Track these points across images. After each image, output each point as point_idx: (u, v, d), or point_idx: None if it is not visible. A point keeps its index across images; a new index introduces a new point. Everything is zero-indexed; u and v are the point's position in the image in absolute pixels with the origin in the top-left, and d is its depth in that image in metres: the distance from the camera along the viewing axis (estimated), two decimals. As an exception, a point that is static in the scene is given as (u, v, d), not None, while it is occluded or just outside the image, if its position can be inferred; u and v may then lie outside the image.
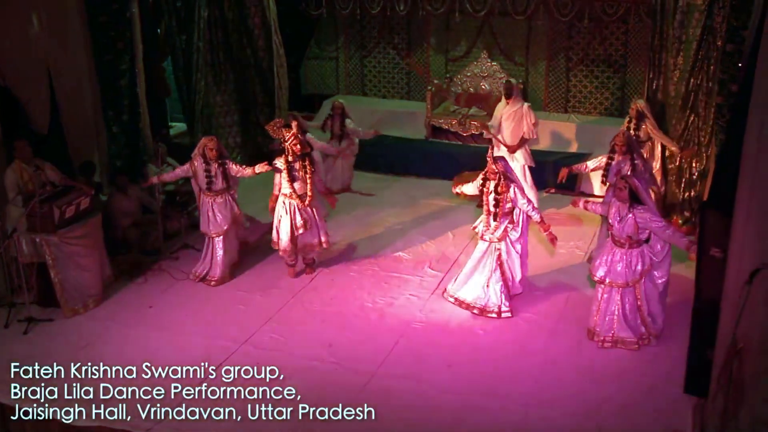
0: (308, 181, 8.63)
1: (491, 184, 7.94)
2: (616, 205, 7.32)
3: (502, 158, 8.25)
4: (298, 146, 8.42)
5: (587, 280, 8.35)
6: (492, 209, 7.97)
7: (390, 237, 10.23)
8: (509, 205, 7.94)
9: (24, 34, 9.49)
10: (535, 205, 8.15)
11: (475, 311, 8.17)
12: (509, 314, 8.09)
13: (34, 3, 9.58)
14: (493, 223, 8.02)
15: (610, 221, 7.39)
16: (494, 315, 8.09)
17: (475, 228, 8.27)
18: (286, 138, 8.46)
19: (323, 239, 8.99)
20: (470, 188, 8.31)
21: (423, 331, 7.96)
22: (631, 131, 9.50)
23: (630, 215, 7.16)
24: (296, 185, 8.59)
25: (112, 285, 8.83)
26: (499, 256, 8.07)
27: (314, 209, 8.84)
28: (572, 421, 6.51)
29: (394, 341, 7.73)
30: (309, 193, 8.65)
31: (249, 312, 8.35)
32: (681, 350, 6.85)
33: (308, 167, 8.62)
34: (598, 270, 7.50)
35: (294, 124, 8.69)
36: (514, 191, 7.87)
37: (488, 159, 8.16)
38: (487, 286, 8.12)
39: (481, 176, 8.09)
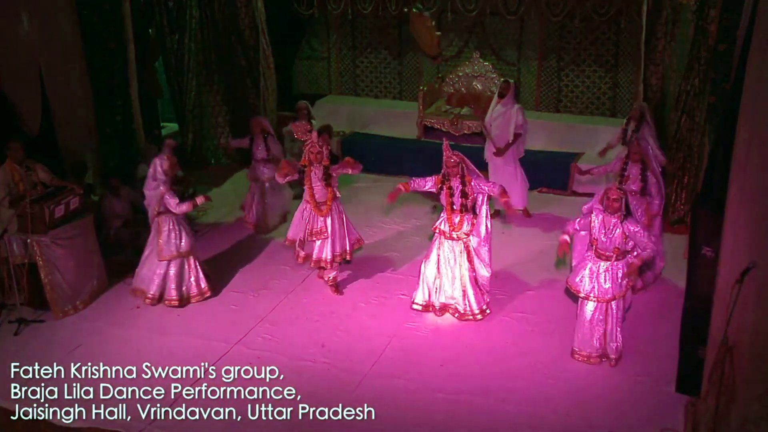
0: (327, 190, 8.29)
1: (455, 180, 7.73)
2: (600, 217, 6.96)
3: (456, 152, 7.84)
4: (314, 154, 8.14)
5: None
6: (458, 206, 7.76)
7: (381, 236, 10.24)
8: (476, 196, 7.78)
9: (15, 34, 9.46)
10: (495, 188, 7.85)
11: (455, 315, 8.08)
12: (488, 311, 8.11)
13: (25, 3, 9.56)
14: (457, 220, 7.82)
15: (594, 235, 7.01)
16: (479, 317, 8.04)
17: (435, 228, 8.01)
18: (306, 142, 8.19)
19: (341, 250, 8.55)
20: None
21: (415, 330, 7.97)
22: (629, 132, 9.42)
23: (619, 227, 6.85)
24: (316, 193, 8.27)
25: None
26: (470, 252, 7.95)
27: (334, 218, 8.43)
28: (565, 420, 6.54)
29: (386, 341, 7.75)
30: (328, 203, 8.31)
31: (241, 312, 8.34)
32: (673, 349, 6.89)
33: (330, 178, 8.25)
34: (582, 284, 7.12)
35: (320, 135, 8.34)
36: (476, 181, 7.74)
37: (445, 151, 7.74)
38: (464, 288, 7.98)
39: (436, 178, 7.86)
